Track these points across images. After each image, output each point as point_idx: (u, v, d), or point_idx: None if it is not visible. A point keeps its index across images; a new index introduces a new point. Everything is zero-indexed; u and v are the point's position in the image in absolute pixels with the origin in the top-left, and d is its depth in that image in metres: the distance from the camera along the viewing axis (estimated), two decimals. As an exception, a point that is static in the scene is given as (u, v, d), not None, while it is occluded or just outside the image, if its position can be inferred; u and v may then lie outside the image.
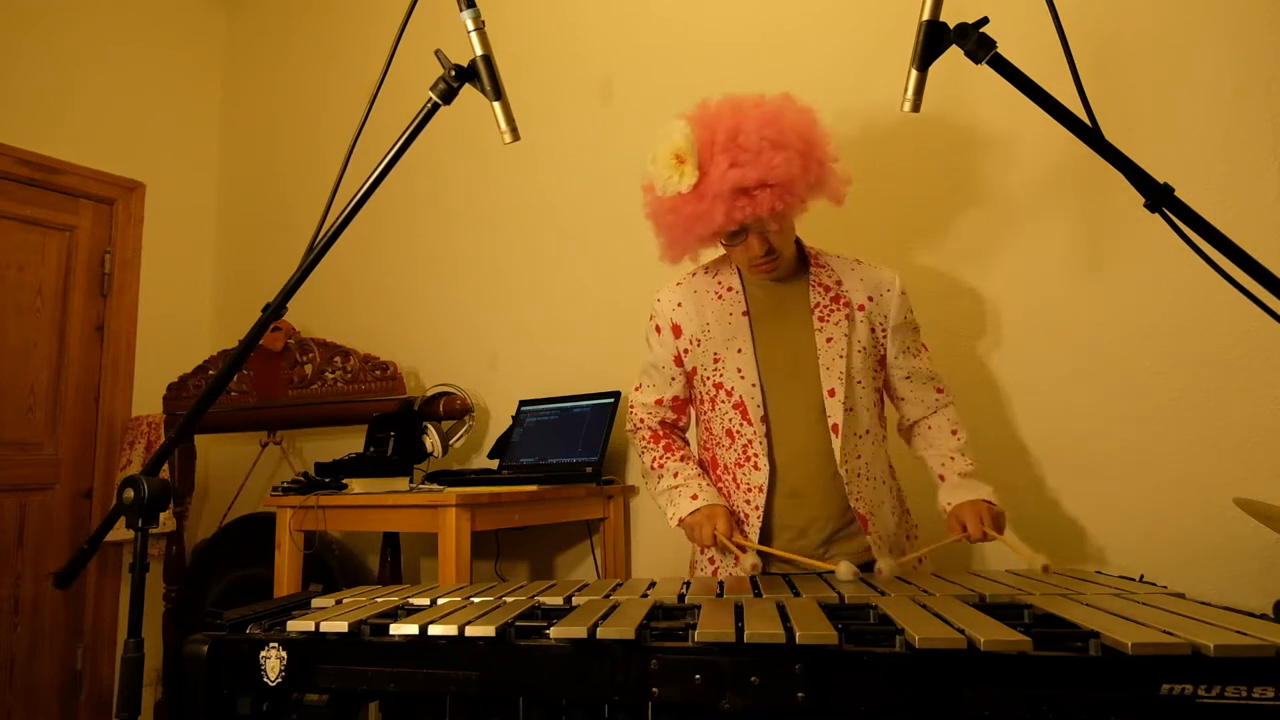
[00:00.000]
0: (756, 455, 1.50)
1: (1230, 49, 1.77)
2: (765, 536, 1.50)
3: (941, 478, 1.55)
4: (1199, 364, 1.76)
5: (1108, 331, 1.86)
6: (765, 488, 1.48)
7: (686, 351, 1.59)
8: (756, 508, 1.49)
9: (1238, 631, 0.81)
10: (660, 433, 1.65)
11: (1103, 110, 1.05)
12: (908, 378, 1.60)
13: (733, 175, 1.36)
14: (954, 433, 1.58)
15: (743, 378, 1.52)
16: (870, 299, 1.55)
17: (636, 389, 1.69)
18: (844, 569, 1.24)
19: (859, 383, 1.52)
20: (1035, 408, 1.93)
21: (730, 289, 1.58)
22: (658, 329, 1.62)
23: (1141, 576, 1.22)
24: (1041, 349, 1.93)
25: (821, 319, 1.53)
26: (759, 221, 1.42)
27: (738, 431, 1.52)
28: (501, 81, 1.16)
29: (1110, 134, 1.00)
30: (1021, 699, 0.79)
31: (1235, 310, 1.59)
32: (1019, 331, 1.96)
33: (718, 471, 1.57)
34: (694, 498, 1.50)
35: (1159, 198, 0.98)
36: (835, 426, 1.48)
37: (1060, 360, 1.90)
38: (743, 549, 1.39)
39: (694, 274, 1.63)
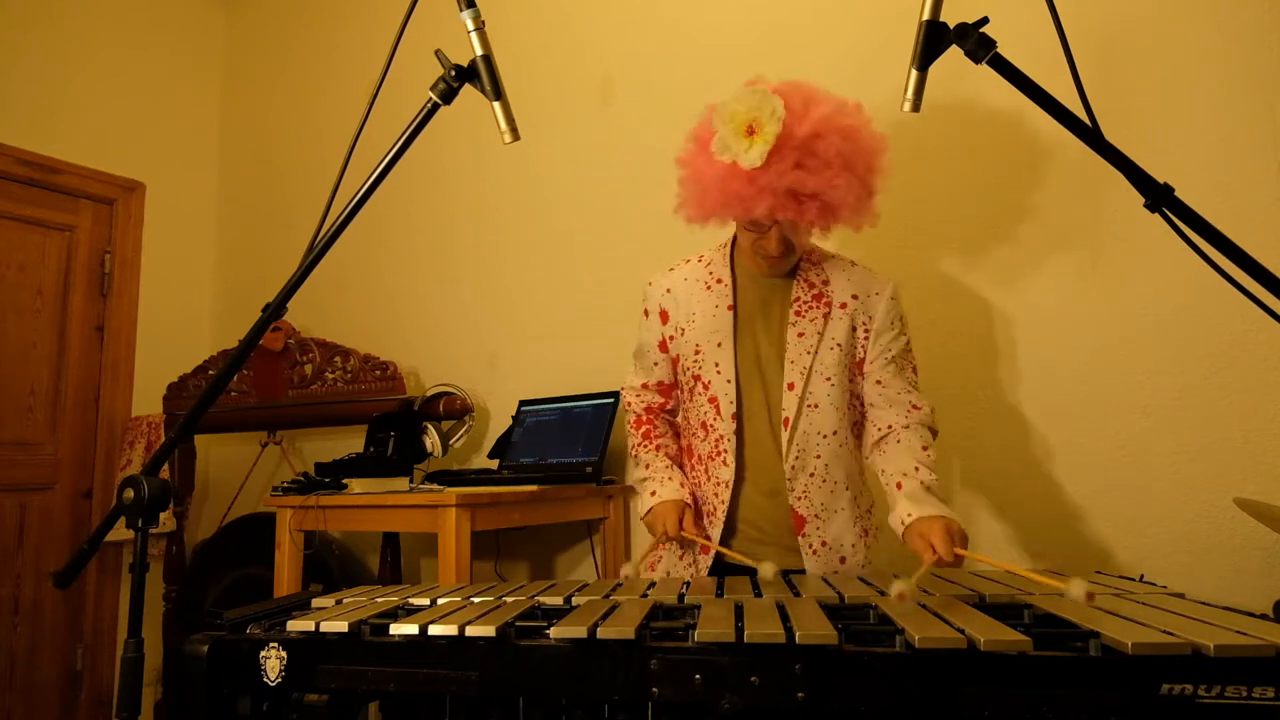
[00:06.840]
0: (725, 452, 1.50)
1: (1230, 49, 1.77)
2: (728, 531, 1.51)
3: (899, 485, 1.37)
4: (1199, 364, 1.76)
5: (1107, 331, 1.86)
6: (731, 484, 1.49)
7: (671, 338, 1.59)
8: (723, 502, 1.50)
9: (1238, 631, 0.81)
10: (644, 418, 1.66)
11: (1103, 110, 1.05)
12: (879, 382, 1.49)
13: (794, 177, 1.31)
14: (924, 448, 1.42)
15: (719, 373, 1.51)
16: (855, 297, 1.51)
17: (632, 372, 1.71)
18: (765, 569, 1.24)
19: (828, 379, 1.48)
20: (1035, 408, 1.93)
21: (720, 280, 1.56)
22: (646, 313, 1.62)
23: (1141, 576, 1.22)
24: (1041, 349, 1.93)
25: (798, 314, 1.51)
26: (794, 226, 1.41)
27: (711, 426, 1.52)
28: (501, 81, 1.16)
29: (1110, 134, 1.00)
30: (1021, 699, 0.79)
31: (1235, 310, 1.59)
32: (1018, 331, 1.96)
33: (693, 461, 1.58)
34: (653, 494, 1.54)
35: (1159, 198, 0.98)
36: (786, 420, 1.47)
37: (1060, 360, 1.90)
38: (692, 542, 1.45)
39: (688, 261, 1.62)
